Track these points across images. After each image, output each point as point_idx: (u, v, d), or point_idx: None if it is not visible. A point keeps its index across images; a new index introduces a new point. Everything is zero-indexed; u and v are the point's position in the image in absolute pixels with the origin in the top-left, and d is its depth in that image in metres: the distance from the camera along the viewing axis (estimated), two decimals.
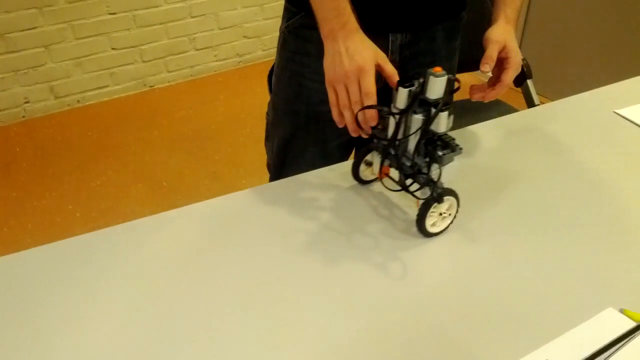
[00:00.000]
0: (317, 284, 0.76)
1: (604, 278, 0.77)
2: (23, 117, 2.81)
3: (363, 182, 0.97)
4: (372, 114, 0.85)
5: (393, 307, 0.72)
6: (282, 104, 1.20)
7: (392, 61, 1.11)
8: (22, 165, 2.51)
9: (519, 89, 1.80)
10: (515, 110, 1.62)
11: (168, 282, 0.76)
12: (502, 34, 0.96)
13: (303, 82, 1.13)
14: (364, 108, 0.85)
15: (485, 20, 1.04)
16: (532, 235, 0.85)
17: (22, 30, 2.63)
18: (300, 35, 1.11)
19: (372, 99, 0.84)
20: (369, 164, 0.95)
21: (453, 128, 0.83)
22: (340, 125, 0.90)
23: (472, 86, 0.99)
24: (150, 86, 3.12)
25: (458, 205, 0.85)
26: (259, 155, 1.42)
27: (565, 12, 2.73)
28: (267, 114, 1.25)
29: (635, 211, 0.90)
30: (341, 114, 0.89)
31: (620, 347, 0.67)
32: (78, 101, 2.94)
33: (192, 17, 3.07)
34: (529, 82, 1.82)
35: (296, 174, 1.01)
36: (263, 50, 3.42)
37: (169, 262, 0.79)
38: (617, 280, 0.77)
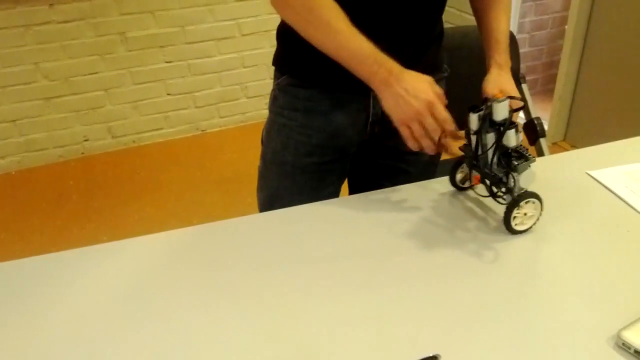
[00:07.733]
0: (418, 266, 0.92)
1: None
2: (82, 153, 3.05)
3: (460, 188, 1.11)
4: (454, 132, 0.97)
5: (482, 288, 0.87)
6: (270, 155, 1.25)
7: (374, 114, 1.16)
8: (72, 197, 2.72)
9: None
10: None
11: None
12: (495, 83, 1.05)
13: (290, 134, 1.19)
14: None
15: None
16: (593, 244, 0.97)
17: (85, 75, 2.89)
18: (289, 92, 1.18)
19: (451, 123, 0.96)
20: (463, 174, 1.09)
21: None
22: (418, 150, 1.00)
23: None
24: (202, 130, 3.30)
25: (542, 206, 0.96)
26: None
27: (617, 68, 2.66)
28: (259, 166, 1.30)
29: None
30: (418, 143, 0.99)
31: None
32: (133, 141, 3.16)
33: (245, 67, 3.25)
34: (542, 140, 1.78)
35: None
36: None
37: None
38: None
